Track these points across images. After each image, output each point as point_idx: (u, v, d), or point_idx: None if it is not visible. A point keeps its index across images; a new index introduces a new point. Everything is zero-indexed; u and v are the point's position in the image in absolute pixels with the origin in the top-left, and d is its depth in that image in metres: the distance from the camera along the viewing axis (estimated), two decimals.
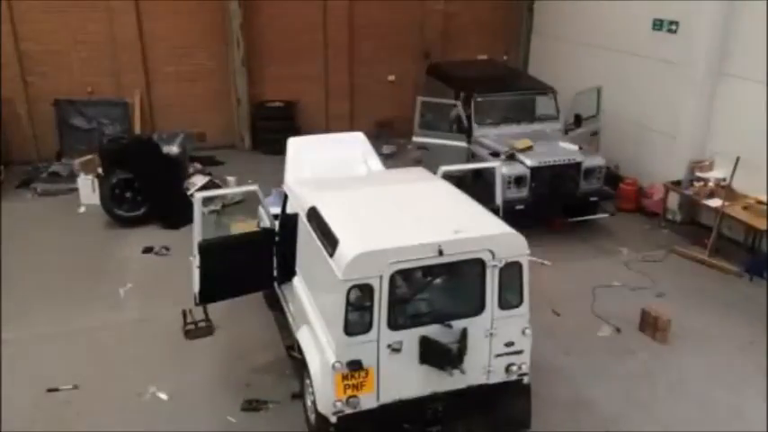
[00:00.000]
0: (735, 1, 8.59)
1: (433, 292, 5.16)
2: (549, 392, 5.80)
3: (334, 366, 4.48)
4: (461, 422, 4.96)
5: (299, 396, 5.52)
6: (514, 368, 4.93)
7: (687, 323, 7.08)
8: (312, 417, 5.03)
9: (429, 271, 4.96)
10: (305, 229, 5.23)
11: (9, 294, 7.28)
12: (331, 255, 4.53)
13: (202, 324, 6.74)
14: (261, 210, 6.88)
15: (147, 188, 9.18)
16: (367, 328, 4.49)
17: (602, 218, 9.34)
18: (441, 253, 4.46)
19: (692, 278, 8.06)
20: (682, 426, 5.59)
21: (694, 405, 5.85)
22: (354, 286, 4.37)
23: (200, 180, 10.52)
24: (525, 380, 5.04)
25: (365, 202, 5.34)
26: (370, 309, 4.46)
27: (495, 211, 5.56)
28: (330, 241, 4.62)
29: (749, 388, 6.06)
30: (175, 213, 8.98)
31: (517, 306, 4.83)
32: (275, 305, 6.54)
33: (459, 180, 6.80)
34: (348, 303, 4.40)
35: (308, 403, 5.14)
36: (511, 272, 4.74)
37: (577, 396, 5.90)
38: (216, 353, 6.47)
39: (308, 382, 5.04)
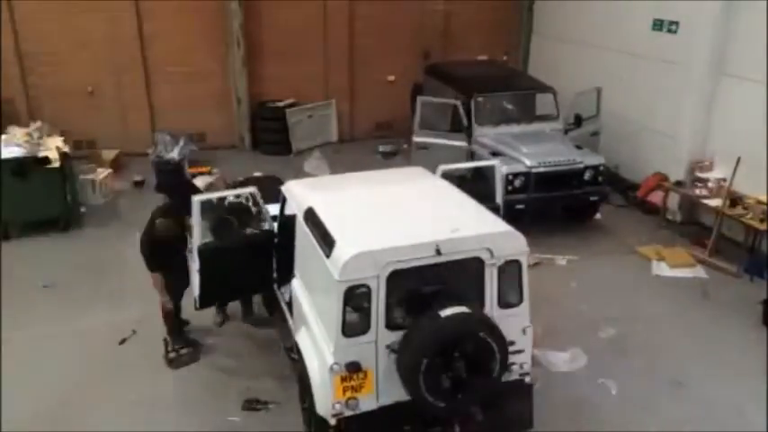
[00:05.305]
0: (735, 1, 8.57)
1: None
2: (549, 392, 5.79)
3: (332, 368, 4.45)
4: (462, 423, 4.94)
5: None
6: (515, 368, 4.87)
7: (687, 323, 7.08)
8: (311, 419, 5.01)
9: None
10: (302, 231, 5.20)
11: (9, 294, 7.27)
12: (328, 256, 4.49)
13: (184, 351, 6.39)
14: None
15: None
16: (365, 329, 4.46)
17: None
18: (438, 252, 4.44)
19: (691, 278, 8.04)
20: (682, 426, 5.58)
21: (694, 405, 5.84)
22: (351, 287, 4.34)
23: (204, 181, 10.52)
24: (527, 379, 5.00)
25: (363, 202, 5.32)
26: (368, 309, 4.43)
27: (495, 210, 5.54)
28: (327, 242, 4.59)
29: (749, 388, 6.04)
30: None
31: (517, 305, 4.81)
32: (274, 307, 6.53)
33: (459, 180, 6.77)
34: (345, 304, 4.37)
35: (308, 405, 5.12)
36: (510, 270, 4.70)
37: (577, 396, 5.89)
38: (216, 353, 6.46)
39: (307, 383, 5.02)
